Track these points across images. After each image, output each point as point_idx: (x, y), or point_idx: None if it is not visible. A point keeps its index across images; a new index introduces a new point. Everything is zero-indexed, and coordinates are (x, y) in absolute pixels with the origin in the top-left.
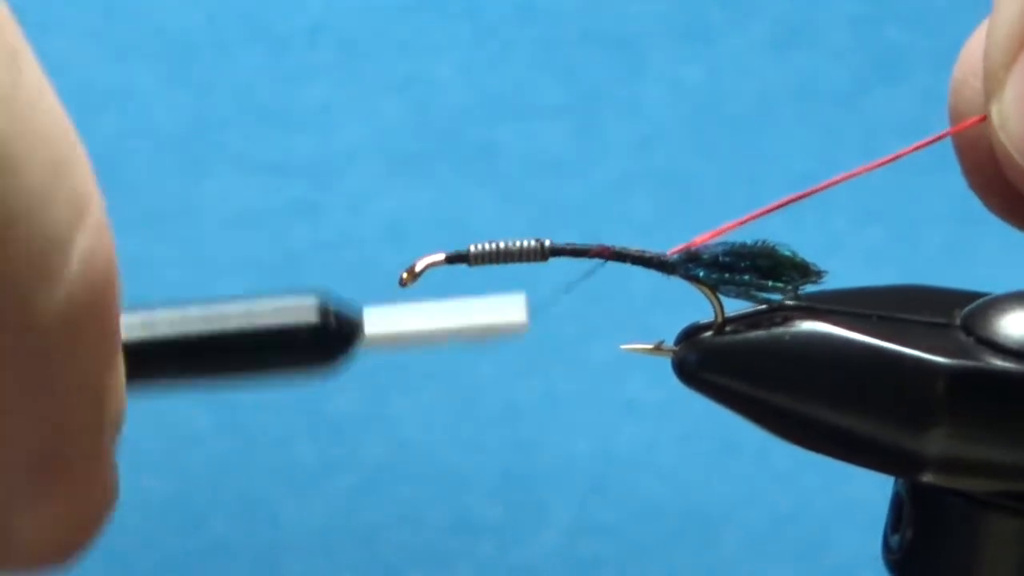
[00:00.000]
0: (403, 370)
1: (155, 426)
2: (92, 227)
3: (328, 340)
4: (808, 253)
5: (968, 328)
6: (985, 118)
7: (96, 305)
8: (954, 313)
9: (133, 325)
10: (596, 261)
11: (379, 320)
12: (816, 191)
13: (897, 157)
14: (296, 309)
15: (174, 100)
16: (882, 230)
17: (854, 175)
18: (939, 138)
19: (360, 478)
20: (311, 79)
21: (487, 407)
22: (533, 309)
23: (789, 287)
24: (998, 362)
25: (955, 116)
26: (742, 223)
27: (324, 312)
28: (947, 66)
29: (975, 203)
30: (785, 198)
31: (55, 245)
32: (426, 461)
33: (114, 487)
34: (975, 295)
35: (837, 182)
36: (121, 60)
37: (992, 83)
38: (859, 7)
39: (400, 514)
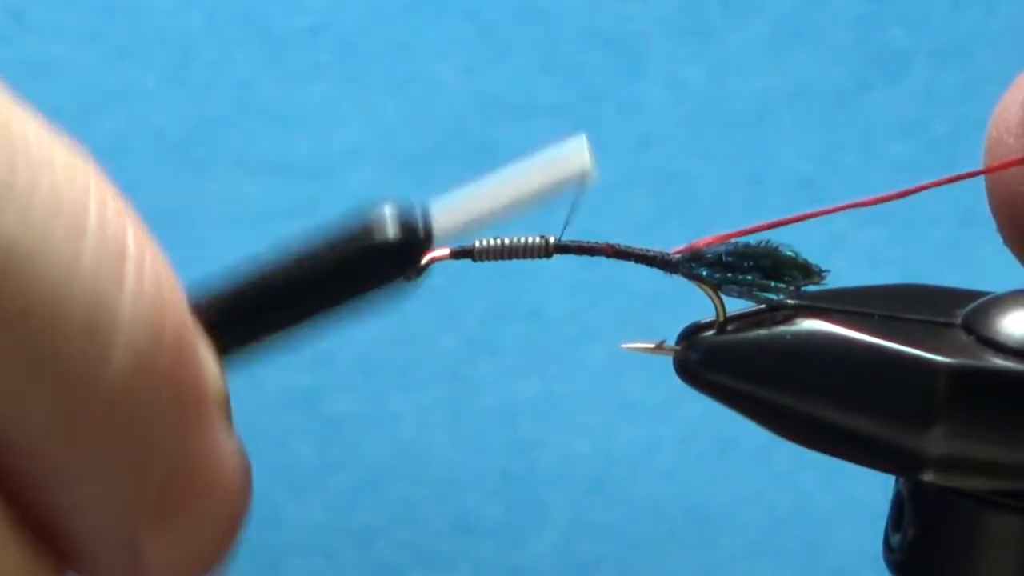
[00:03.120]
0: (403, 370)
1: None
2: (131, 278)
3: (406, 251)
4: (809, 253)
5: (969, 327)
6: (1023, 161)
7: (163, 341)
8: (955, 312)
9: (210, 307)
10: (600, 258)
11: (448, 214)
12: (841, 209)
13: (928, 187)
14: (369, 231)
15: (174, 100)
16: (882, 230)
17: (881, 200)
18: (973, 175)
19: (360, 478)
20: (311, 79)
21: (487, 407)
22: (534, 309)
23: (791, 287)
24: (999, 361)
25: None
26: (753, 231)
27: (398, 226)
28: (947, 66)
29: (975, 203)
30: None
31: (94, 321)
32: (426, 461)
33: (239, 477)
34: (976, 294)
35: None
36: (121, 60)
37: None
38: (859, 7)
39: (400, 514)
